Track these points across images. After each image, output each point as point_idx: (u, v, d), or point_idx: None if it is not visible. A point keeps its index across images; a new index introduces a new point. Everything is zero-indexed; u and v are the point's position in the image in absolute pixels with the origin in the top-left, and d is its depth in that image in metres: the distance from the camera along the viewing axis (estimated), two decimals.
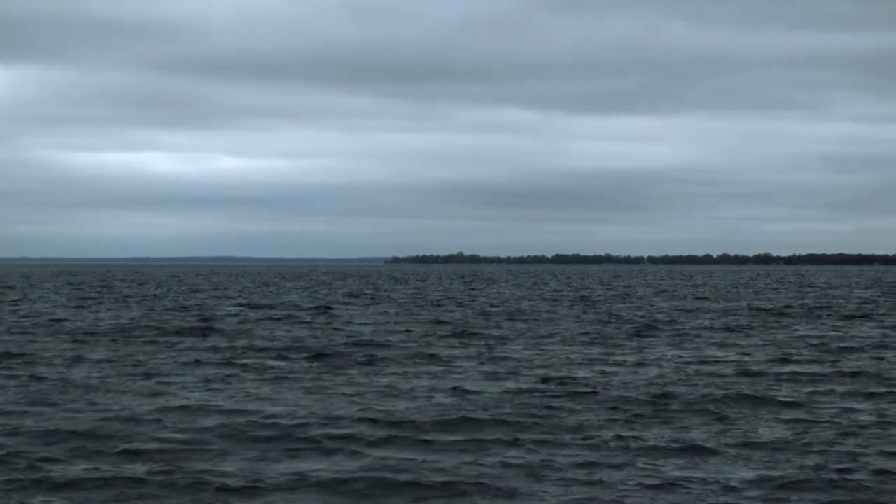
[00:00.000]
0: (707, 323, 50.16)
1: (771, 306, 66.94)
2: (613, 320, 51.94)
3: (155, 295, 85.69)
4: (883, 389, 25.52)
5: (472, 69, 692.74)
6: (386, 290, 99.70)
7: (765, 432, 19.61)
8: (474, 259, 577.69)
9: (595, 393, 24.45)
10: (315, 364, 30.68)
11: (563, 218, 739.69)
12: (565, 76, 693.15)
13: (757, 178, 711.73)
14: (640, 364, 30.98)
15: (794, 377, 27.84)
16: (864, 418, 21.24)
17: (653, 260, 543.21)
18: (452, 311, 60.30)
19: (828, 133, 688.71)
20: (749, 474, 16.24)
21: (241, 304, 67.82)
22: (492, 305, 67.92)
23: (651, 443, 18.58)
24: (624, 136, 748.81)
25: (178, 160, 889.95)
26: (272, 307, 64.24)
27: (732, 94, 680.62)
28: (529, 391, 24.78)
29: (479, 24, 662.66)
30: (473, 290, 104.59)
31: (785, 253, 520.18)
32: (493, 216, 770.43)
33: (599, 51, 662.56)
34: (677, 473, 16.28)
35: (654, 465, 16.89)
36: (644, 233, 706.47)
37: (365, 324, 48.43)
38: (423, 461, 17.04)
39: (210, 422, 20.18)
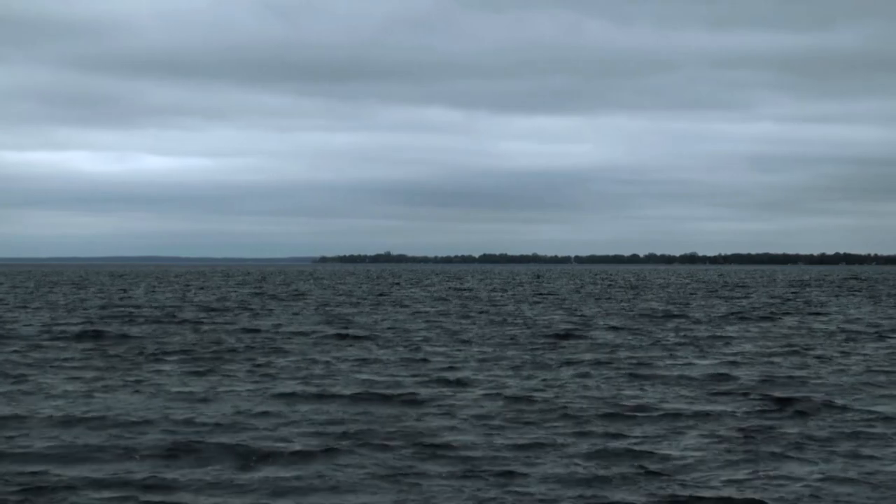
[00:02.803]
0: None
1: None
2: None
3: None
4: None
5: (395, 68, 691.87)
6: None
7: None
8: (402, 259, 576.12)
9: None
10: None
11: (491, 218, 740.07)
12: (489, 76, 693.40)
13: (682, 178, 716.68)
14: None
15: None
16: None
17: (579, 260, 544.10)
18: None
19: (751, 133, 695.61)
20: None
21: None
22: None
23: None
24: (549, 135, 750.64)
25: (103, 159, 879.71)
26: None
27: (655, 94, 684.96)
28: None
29: (402, 23, 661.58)
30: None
31: (711, 252, 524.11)
32: (421, 216, 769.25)
33: (522, 50, 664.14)
34: None
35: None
36: (571, 232, 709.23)
37: None
38: None
39: None
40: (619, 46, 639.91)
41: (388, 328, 44.51)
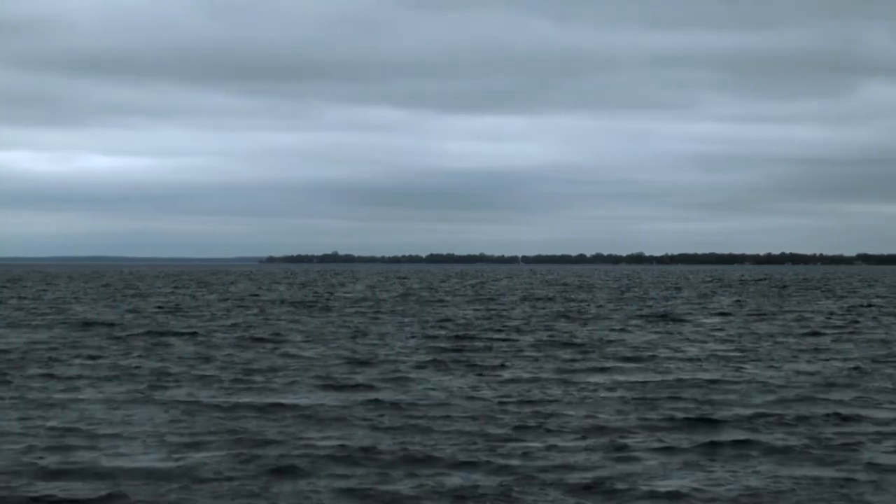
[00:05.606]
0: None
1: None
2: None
3: None
4: None
5: (339, 68, 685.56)
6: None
7: None
8: (349, 259, 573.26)
9: None
10: None
11: (438, 217, 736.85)
12: (433, 75, 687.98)
13: (628, 178, 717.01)
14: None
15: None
16: None
17: (527, 259, 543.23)
18: None
19: (695, 133, 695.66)
20: None
21: None
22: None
23: None
24: (494, 135, 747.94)
25: (47, 159, 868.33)
26: None
27: (599, 93, 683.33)
28: None
29: (345, 23, 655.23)
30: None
31: (657, 252, 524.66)
32: (368, 216, 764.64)
33: (465, 50, 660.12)
34: None
35: None
36: (518, 232, 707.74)
37: None
38: None
39: None
40: (562, 46, 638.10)
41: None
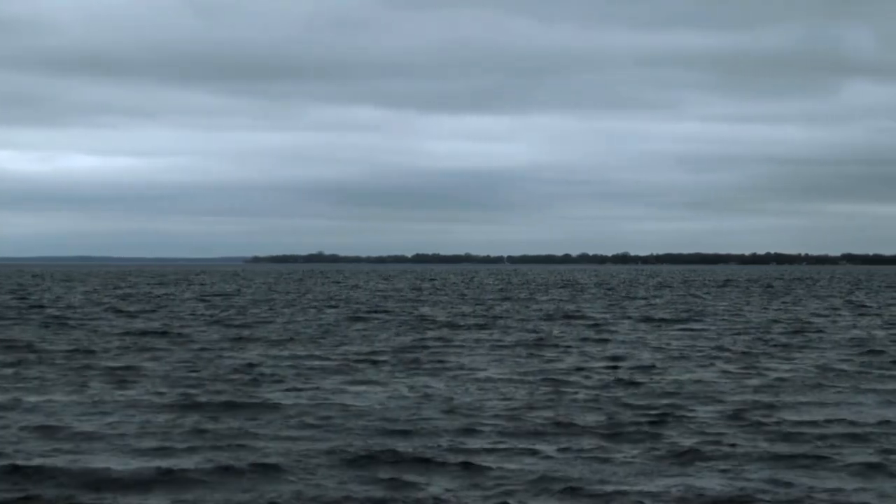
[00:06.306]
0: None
1: None
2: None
3: None
4: None
5: (323, 67, 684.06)
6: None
7: None
8: (335, 259, 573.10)
9: None
10: None
11: (423, 217, 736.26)
12: (416, 75, 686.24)
13: (613, 178, 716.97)
14: None
15: None
16: None
17: (512, 259, 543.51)
18: None
19: (680, 132, 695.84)
20: None
21: None
22: None
23: None
24: (478, 135, 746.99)
25: (30, 158, 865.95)
26: None
27: (584, 93, 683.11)
28: None
29: (329, 22, 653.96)
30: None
31: (643, 252, 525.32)
32: (353, 216, 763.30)
33: (449, 49, 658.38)
34: None
35: None
36: (504, 232, 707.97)
37: None
38: None
39: None
40: (543, 45, 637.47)
41: None
